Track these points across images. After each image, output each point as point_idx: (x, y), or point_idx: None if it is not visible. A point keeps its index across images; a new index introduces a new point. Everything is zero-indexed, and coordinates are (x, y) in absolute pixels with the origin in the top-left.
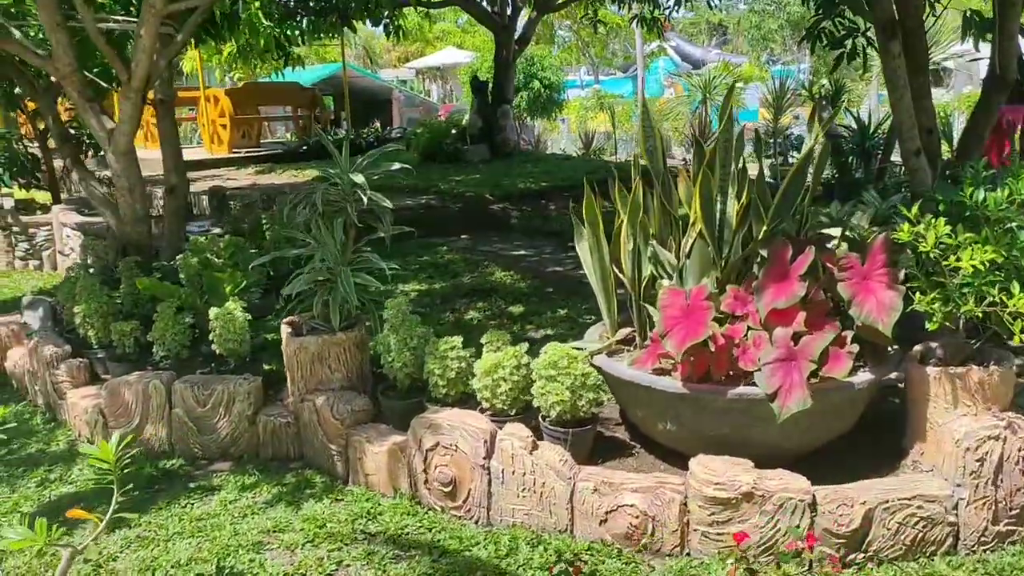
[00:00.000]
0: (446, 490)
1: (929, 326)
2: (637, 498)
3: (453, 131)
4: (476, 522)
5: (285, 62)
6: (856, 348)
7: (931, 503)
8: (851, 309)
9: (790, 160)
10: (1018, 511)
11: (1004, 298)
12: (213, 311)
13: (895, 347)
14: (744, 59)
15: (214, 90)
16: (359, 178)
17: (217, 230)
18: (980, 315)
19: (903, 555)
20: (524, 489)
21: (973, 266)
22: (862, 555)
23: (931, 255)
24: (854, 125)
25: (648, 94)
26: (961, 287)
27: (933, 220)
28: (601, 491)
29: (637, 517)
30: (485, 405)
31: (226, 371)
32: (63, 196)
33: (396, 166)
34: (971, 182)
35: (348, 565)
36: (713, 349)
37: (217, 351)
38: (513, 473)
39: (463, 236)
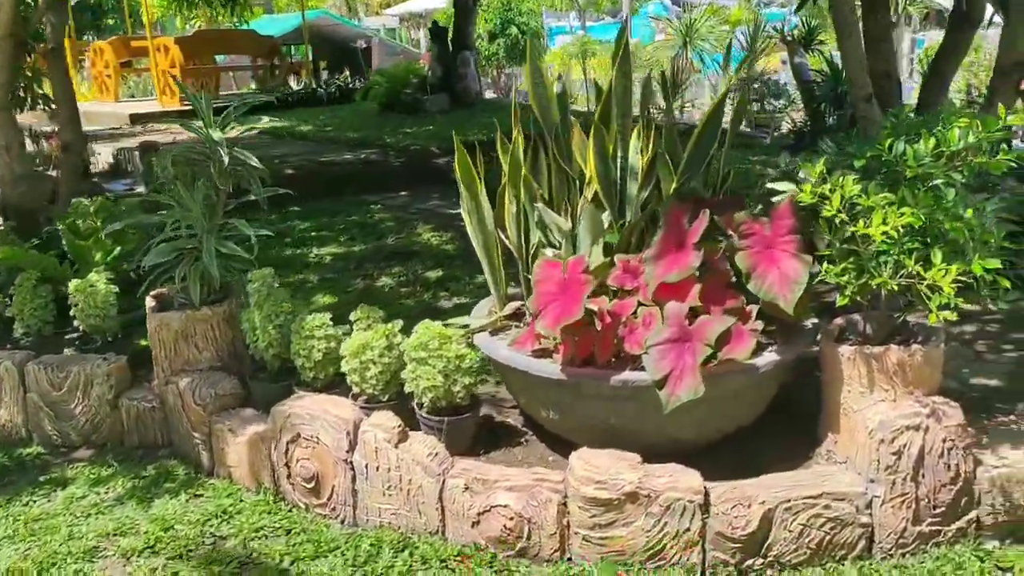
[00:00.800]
0: (309, 486)
1: (839, 301)
2: (511, 498)
3: (413, 80)
4: (342, 522)
5: (232, 10)
6: (760, 325)
7: (840, 502)
8: (750, 283)
9: (766, 108)
10: (943, 510)
11: (921, 270)
12: (73, 283)
13: (815, 320)
14: (735, 1)
15: (164, 39)
16: (217, 134)
17: (141, 188)
18: (895, 288)
19: (808, 560)
20: (390, 486)
21: (885, 232)
22: (761, 560)
23: (837, 220)
24: (827, 69)
25: (642, 40)
26: (878, 255)
27: (841, 179)
28: (473, 489)
29: (511, 519)
30: (356, 390)
31: (92, 350)
32: None
33: (264, 119)
34: (891, 132)
35: None
36: (599, 328)
37: (80, 327)
38: (378, 469)
39: (402, 193)
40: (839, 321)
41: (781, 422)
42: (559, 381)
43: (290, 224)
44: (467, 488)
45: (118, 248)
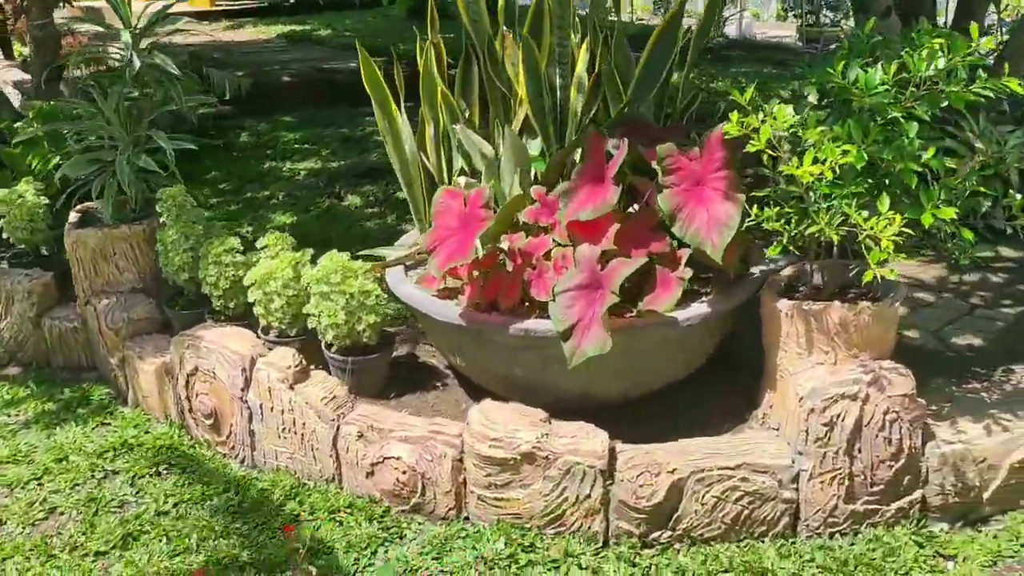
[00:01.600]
0: (209, 423)
1: (770, 251)
2: (405, 450)
3: None
4: (241, 462)
5: None
6: (687, 273)
7: (761, 474)
8: (674, 225)
9: (820, 20)
10: (882, 487)
11: (860, 219)
12: (0, 192)
13: (764, 268)
14: None
15: None
16: (126, 36)
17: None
18: (835, 237)
19: (722, 535)
20: (284, 429)
21: (821, 174)
22: (669, 533)
23: (765, 157)
24: None
25: None
26: (824, 199)
27: (773, 108)
28: (368, 438)
29: (405, 472)
30: (263, 323)
31: (23, 264)
32: None
33: (182, 21)
34: (846, 54)
35: (61, 513)
36: (511, 269)
37: (8, 239)
38: (272, 410)
39: (407, 104)
40: (788, 271)
41: (722, 379)
42: (459, 327)
43: (277, 135)
44: (361, 436)
45: (57, 158)
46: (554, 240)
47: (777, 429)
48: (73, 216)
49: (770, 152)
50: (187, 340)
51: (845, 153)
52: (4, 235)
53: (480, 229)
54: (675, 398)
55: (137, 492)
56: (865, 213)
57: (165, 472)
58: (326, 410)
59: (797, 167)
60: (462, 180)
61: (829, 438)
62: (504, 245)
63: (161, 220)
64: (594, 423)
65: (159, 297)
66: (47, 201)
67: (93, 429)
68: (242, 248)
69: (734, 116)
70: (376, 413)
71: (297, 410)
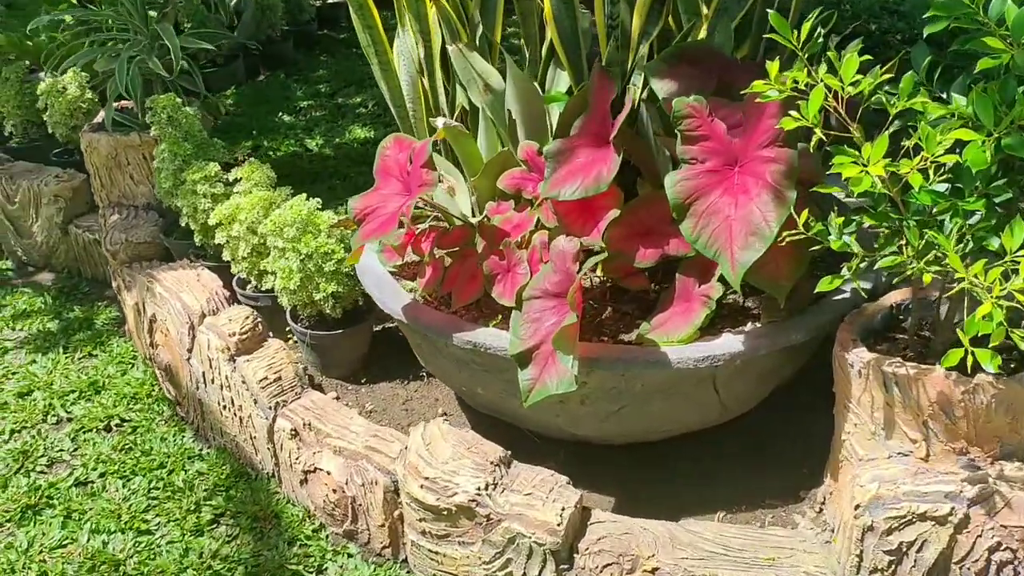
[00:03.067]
0: (167, 378)
1: (822, 285)
2: (336, 464)
3: None
4: (196, 431)
5: None
6: (718, 290)
7: None
8: (682, 221)
9: None
10: None
11: (956, 258)
12: (43, 82)
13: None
14: None
15: None
16: None
17: None
18: (924, 274)
19: None
20: (225, 407)
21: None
22: None
23: (815, 138)
24: None
25: None
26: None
27: (842, 59)
28: (303, 439)
29: (335, 491)
30: (235, 271)
31: (63, 163)
32: None
33: None
34: None
35: None
36: (482, 252)
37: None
38: (213, 381)
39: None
40: (895, 296)
41: (790, 419)
42: (401, 320)
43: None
44: (296, 435)
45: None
46: (539, 221)
47: (832, 532)
48: (101, 116)
49: (819, 133)
50: (146, 281)
51: (974, 146)
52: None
53: (418, 194)
54: (711, 440)
55: (75, 450)
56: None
57: (115, 429)
58: (263, 395)
59: (856, 165)
60: (439, 122)
61: (894, 574)
62: (474, 221)
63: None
64: (581, 460)
65: (169, 219)
66: (90, 95)
67: (77, 360)
68: (226, 178)
69: (771, 68)
70: (322, 407)
71: (235, 389)
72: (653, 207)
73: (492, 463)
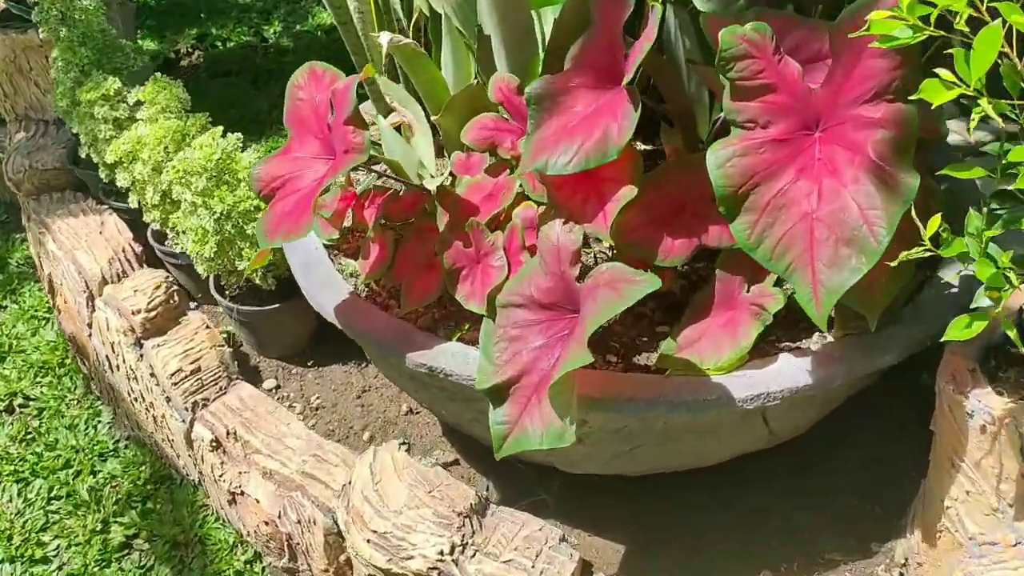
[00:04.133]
0: (75, 348)
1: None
2: (266, 492)
3: None
4: (113, 415)
5: None
6: (778, 301)
7: None
8: (735, 220)
9: None
10: None
11: None
12: None
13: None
14: None
15: None
16: None
17: None
18: None
19: None
20: (135, 400)
21: None
22: None
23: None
24: None
25: None
26: None
27: None
28: (228, 451)
29: (268, 524)
30: (146, 217)
31: None
32: None
33: None
34: None
35: None
36: (444, 231)
37: None
38: (119, 368)
39: None
40: (1007, 305)
41: (852, 433)
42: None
43: None
44: (218, 447)
45: None
46: (521, 188)
47: None
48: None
49: (992, 107)
50: (38, 232)
51: None
52: None
53: (347, 162)
54: (746, 461)
55: None
56: None
57: (17, 410)
58: (176, 393)
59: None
60: (382, 39)
61: None
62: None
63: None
64: (580, 490)
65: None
66: None
67: None
68: (131, 98)
69: None
70: (253, 407)
71: (142, 382)
72: (684, 177)
73: (460, 514)
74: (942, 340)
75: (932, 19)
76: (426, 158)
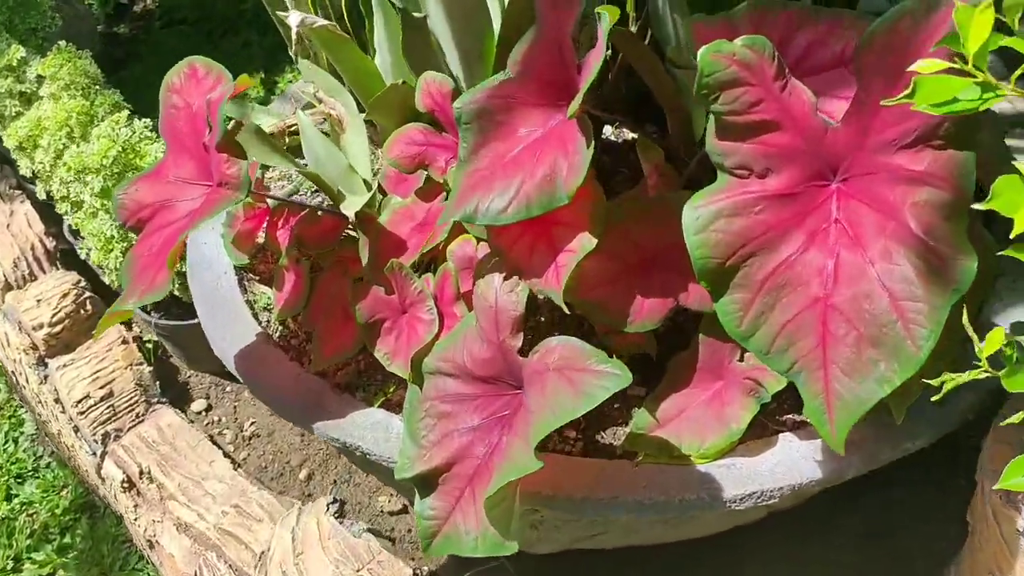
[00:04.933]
0: None
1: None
2: (180, 547)
3: None
4: (36, 427)
5: None
6: (779, 378)
7: None
8: (718, 298)
9: None
10: None
11: None
12: None
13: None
14: None
15: None
16: None
17: None
18: None
19: None
20: (46, 422)
21: None
22: None
23: None
24: None
25: None
26: None
27: None
28: (142, 491)
29: None
30: (59, 208)
31: None
32: None
33: None
34: None
35: None
36: (366, 260)
37: None
38: (26, 388)
39: None
40: None
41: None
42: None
43: None
44: (131, 487)
45: None
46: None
47: None
48: None
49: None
50: None
51: None
52: None
53: (218, 202)
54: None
55: None
56: None
57: None
58: (85, 424)
59: None
60: (292, 19)
61: None
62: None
63: None
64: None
65: None
66: None
67: None
68: (31, 71)
69: None
70: (172, 439)
71: (47, 407)
72: (659, 216)
73: None
74: (996, 487)
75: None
76: (359, 160)
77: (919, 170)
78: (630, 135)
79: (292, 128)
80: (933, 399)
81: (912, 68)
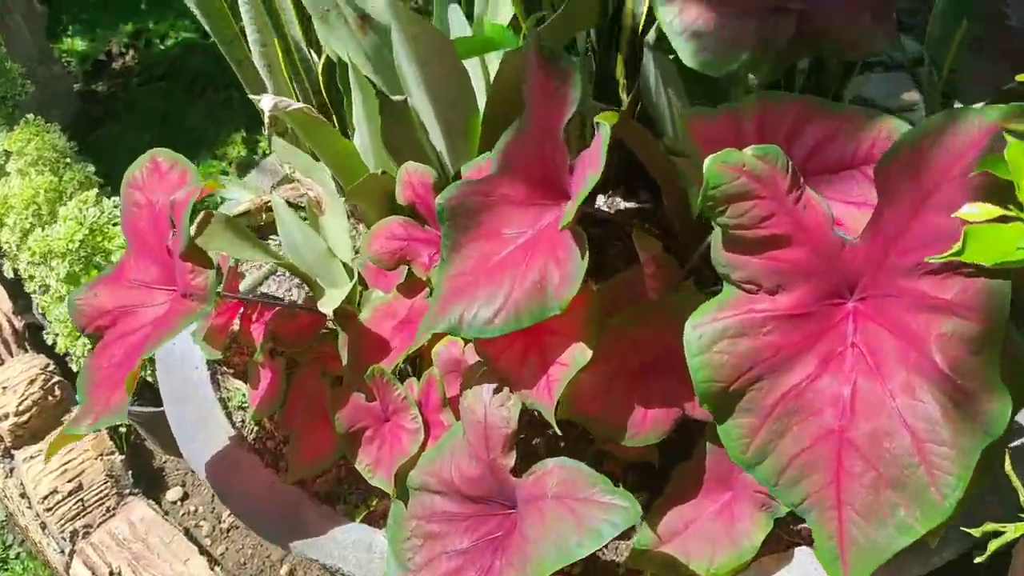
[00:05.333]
0: None
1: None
2: None
3: None
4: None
5: None
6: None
7: None
8: (722, 422)
9: None
10: None
11: None
12: None
13: None
14: None
15: None
16: None
17: None
18: None
19: None
20: (9, 518)
21: None
22: None
23: None
24: None
25: None
26: None
27: None
28: None
29: None
30: (28, 287)
31: None
32: None
33: None
34: None
35: None
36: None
37: None
38: None
39: None
40: None
41: None
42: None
43: None
44: None
45: None
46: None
47: None
48: None
49: None
50: None
51: None
52: None
53: (185, 314)
54: None
55: None
56: None
57: None
58: (51, 519)
59: None
60: (265, 103)
61: None
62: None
63: None
64: None
65: None
66: None
67: None
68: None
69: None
70: (144, 535)
71: (13, 502)
72: (659, 319)
73: None
74: None
75: None
76: (338, 244)
77: (946, 298)
78: (623, 204)
79: (269, 204)
80: (978, 560)
81: (960, 214)
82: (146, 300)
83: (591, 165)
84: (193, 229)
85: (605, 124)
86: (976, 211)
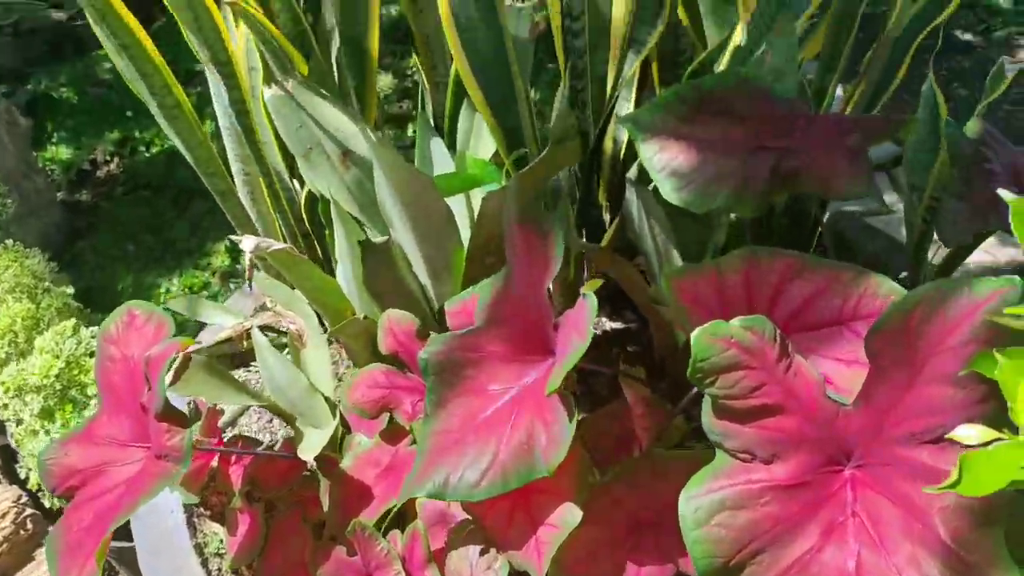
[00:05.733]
0: None
1: None
2: None
3: None
4: None
5: None
6: None
7: None
8: None
9: None
10: None
11: None
12: None
13: None
14: None
15: None
16: None
17: None
18: None
19: None
20: None
21: None
22: None
23: None
24: None
25: None
26: None
27: None
28: None
29: None
30: (3, 415)
31: None
32: None
33: None
34: None
35: None
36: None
37: None
38: None
39: None
40: None
41: None
42: None
43: None
44: None
45: None
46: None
47: None
48: None
49: None
50: None
51: None
52: None
53: (160, 478)
54: None
55: None
56: None
57: None
58: None
59: None
60: (245, 244)
61: None
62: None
63: None
64: None
65: None
66: None
67: None
68: None
69: None
70: None
71: None
72: (650, 476)
73: None
74: None
75: None
76: (320, 379)
77: (946, 469)
78: (608, 324)
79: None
80: None
81: (954, 436)
82: (118, 458)
83: (576, 332)
84: (170, 376)
85: (591, 295)
86: (972, 434)
